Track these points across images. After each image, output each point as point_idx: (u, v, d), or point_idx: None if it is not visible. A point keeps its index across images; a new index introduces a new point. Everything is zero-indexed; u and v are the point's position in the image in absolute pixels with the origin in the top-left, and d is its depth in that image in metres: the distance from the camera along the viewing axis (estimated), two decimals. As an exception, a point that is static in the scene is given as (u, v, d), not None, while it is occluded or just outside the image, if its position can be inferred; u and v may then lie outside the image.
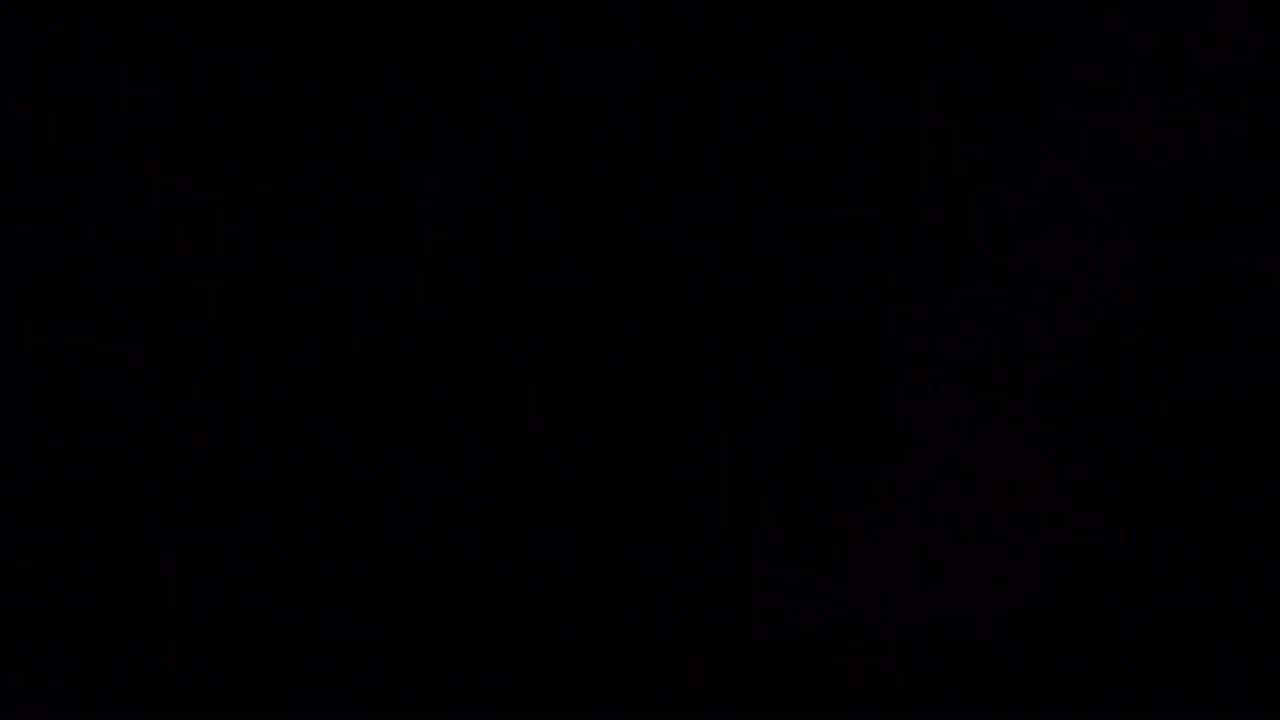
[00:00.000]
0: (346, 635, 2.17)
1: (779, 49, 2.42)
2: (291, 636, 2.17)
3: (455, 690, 2.15)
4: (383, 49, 2.43)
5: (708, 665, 2.16)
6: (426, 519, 2.22)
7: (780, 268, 2.33)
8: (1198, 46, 2.41)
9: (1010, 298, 2.31)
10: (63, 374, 2.28)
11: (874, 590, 2.18)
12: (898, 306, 2.31)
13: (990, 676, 2.15)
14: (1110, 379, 2.28)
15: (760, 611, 2.17)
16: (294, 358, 2.30)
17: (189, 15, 2.42)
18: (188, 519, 2.22)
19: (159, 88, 2.41)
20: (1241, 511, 2.22)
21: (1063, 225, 2.35)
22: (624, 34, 2.43)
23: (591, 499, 2.23)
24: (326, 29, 2.43)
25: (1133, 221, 2.35)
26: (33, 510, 2.22)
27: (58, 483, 2.23)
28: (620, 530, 2.22)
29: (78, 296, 2.31)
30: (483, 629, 2.17)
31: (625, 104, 2.41)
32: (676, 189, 2.37)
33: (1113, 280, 2.32)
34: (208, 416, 2.26)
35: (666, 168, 2.38)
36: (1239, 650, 2.15)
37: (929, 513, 2.22)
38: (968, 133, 2.38)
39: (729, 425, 2.26)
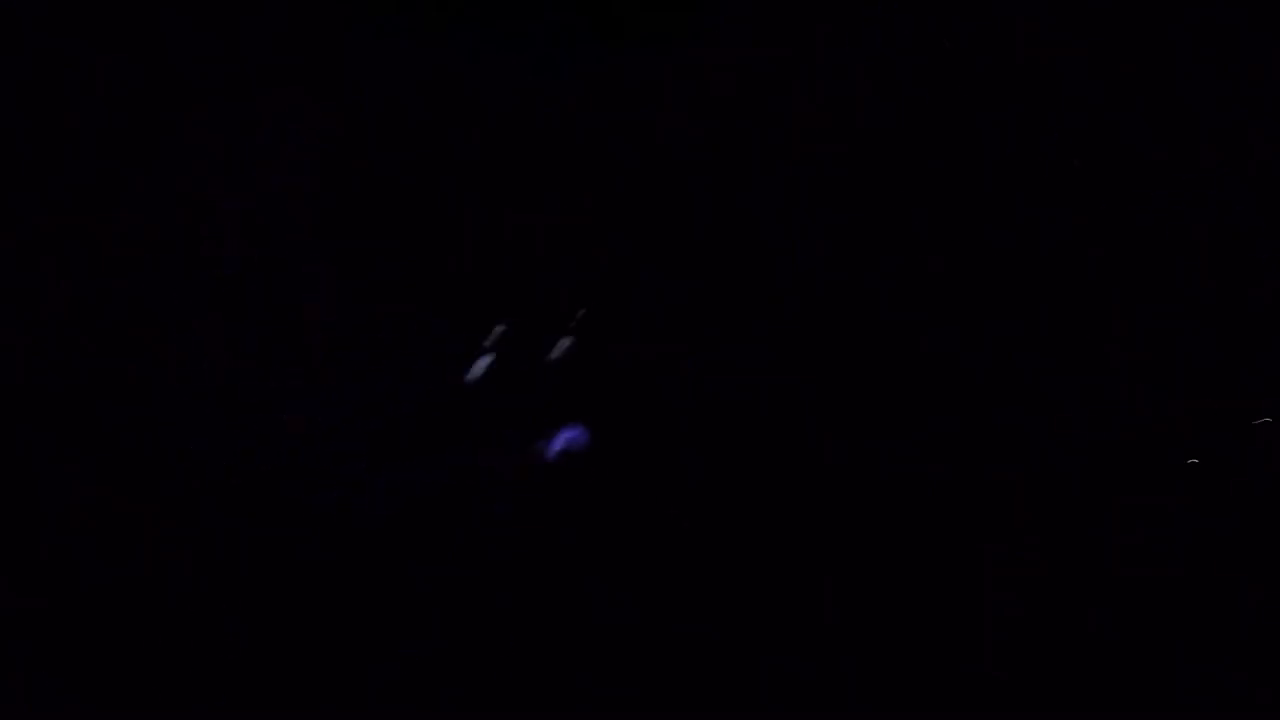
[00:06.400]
0: (347, 635, 2.18)
1: (783, 48, 2.43)
2: (291, 636, 2.17)
3: (455, 690, 2.15)
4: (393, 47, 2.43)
5: (710, 664, 2.16)
6: (427, 519, 2.23)
7: (781, 267, 2.34)
8: (1200, 46, 2.41)
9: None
10: (62, 374, 2.29)
11: (877, 584, 2.19)
12: (900, 307, 2.31)
13: (990, 676, 2.16)
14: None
15: (764, 607, 2.18)
16: (293, 355, 2.30)
17: (193, 14, 2.43)
18: (188, 519, 2.22)
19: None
20: (1242, 511, 2.22)
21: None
22: (624, 33, 2.44)
23: (597, 493, 2.24)
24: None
25: (1134, 220, 2.36)
26: (33, 509, 2.22)
27: (58, 475, 2.23)
28: (622, 529, 2.22)
29: (78, 297, 2.32)
30: (483, 629, 2.18)
31: (627, 103, 2.42)
32: (677, 188, 2.38)
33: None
34: (208, 416, 2.27)
35: (667, 167, 2.39)
36: (1240, 649, 2.16)
37: (928, 507, 2.22)
38: (967, 132, 2.39)
39: (735, 422, 2.27)
